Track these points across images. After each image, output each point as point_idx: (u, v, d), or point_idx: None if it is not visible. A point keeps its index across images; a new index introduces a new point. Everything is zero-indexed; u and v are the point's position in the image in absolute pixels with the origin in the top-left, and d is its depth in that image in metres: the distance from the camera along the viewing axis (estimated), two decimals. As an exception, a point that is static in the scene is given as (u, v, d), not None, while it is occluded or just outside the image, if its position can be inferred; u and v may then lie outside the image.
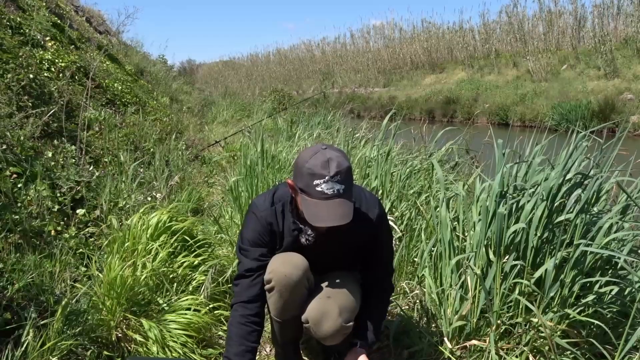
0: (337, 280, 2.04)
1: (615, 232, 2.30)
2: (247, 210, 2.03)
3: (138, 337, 2.21)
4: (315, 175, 1.69)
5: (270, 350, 2.53)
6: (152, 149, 4.92)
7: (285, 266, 1.91)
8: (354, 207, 1.88)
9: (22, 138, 3.04)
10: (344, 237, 1.97)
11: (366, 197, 2.01)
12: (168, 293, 2.52)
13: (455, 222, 2.74)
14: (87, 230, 2.93)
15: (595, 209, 2.45)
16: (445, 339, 2.33)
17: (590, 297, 2.21)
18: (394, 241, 3.05)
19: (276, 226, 1.95)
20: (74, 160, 3.41)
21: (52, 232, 2.63)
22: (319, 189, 1.69)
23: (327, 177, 1.68)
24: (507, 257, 2.32)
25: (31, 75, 3.85)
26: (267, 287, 1.96)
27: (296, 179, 1.77)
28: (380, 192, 3.70)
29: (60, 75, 4.72)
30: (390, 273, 2.17)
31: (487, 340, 2.23)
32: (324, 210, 1.69)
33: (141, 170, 4.13)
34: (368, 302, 2.08)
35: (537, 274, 2.25)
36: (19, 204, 2.57)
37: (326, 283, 2.04)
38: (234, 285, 1.99)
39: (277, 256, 1.97)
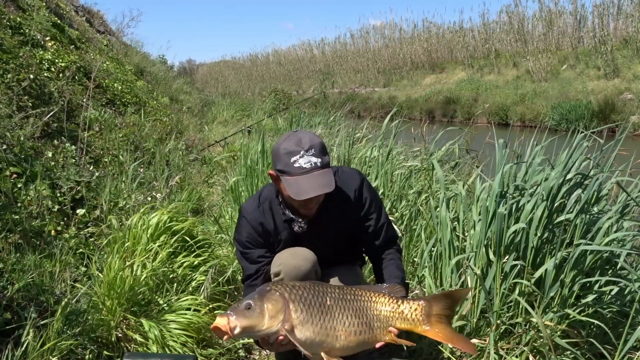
0: (343, 272, 2.08)
1: (615, 232, 2.31)
2: (237, 216, 2.07)
3: (138, 337, 2.21)
4: (291, 153, 1.76)
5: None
6: (152, 149, 4.92)
7: (294, 258, 1.93)
8: (336, 185, 1.92)
9: (22, 138, 3.04)
10: (335, 216, 1.98)
11: (345, 172, 2.06)
12: (168, 293, 2.52)
13: (455, 222, 2.74)
14: (87, 230, 2.93)
15: (595, 209, 2.45)
16: (445, 338, 2.33)
17: (590, 297, 2.21)
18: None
19: (268, 224, 1.98)
20: (74, 160, 3.41)
21: (52, 232, 2.63)
22: (296, 165, 1.75)
23: (302, 152, 1.75)
24: (507, 257, 2.32)
25: (31, 76, 3.85)
26: (275, 279, 1.98)
27: (275, 164, 1.83)
28: (380, 192, 3.70)
29: (60, 75, 4.72)
30: (395, 236, 2.16)
31: (487, 340, 2.23)
32: (305, 184, 1.74)
33: (141, 170, 4.13)
34: (385, 262, 2.07)
35: (537, 274, 2.25)
36: (19, 204, 2.57)
37: (332, 275, 2.06)
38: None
39: (286, 250, 1.98)
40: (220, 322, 1.54)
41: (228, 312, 1.56)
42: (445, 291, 2.14)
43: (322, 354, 1.62)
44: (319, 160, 1.77)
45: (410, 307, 1.73)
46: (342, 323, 1.63)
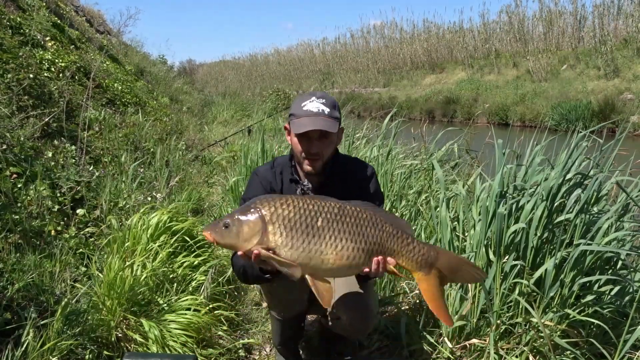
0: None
1: (614, 231, 2.31)
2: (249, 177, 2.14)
3: (138, 337, 2.21)
4: (303, 99, 1.91)
5: (270, 350, 2.54)
6: (152, 149, 4.92)
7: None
8: (349, 162, 2.06)
9: (22, 138, 3.04)
10: (340, 191, 1.97)
11: (360, 160, 2.17)
12: (168, 293, 2.52)
13: (455, 222, 2.74)
14: (87, 230, 2.92)
15: (595, 209, 2.45)
16: (445, 338, 2.33)
17: (590, 297, 2.21)
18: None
19: (276, 186, 2.02)
20: (74, 160, 3.41)
21: (52, 232, 2.63)
22: (305, 108, 1.86)
23: (313, 98, 1.89)
24: (507, 257, 2.32)
25: (31, 75, 3.85)
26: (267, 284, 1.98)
27: (289, 112, 1.95)
28: (380, 192, 3.69)
29: (60, 75, 4.72)
30: None
31: (487, 340, 2.23)
32: (308, 122, 1.84)
33: (141, 170, 4.13)
34: None
35: (537, 274, 2.25)
36: (19, 204, 2.57)
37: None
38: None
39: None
40: (204, 234, 1.60)
41: (209, 227, 1.59)
42: (459, 255, 2.11)
43: (307, 276, 1.59)
44: (327, 109, 1.86)
45: (419, 249, 1.68)
46: (332, 246, 1.58)
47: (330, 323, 2.09)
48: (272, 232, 1.55)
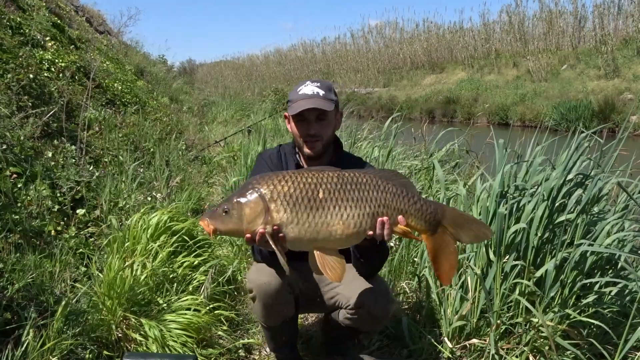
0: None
1: (615, 232, 2.30)
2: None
3: (138, 337, 2.20)
4: (298, 85, 1.97)
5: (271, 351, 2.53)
6: (152, 149, 4.92)
7: (263, 274, 1.95)
8: (352, 157, 2.11)
9: (22, 138, 3.04)
10: None
11: (355, 155, 2.22)
12: (168, 293, 2.52)
13: (456, 222, 2.73)
14: (87, 230, 2.92)
15: (595, 209, 2.45)
16: (445, 338, 2.33)
17: (591, 298, 2.21)
18: (394, 241, 3.05)
19: (281, 168, 2.05)
20: (74, 160, 3.41)
21: (52, 232, 2.63)
22: (300, 92, 1.92)
23: (307, 83, 1.95)
24: (507, 257, 2.31)
25: (31, 75, 3.84)
26: (250, 296, 2.01)
27: (287, 100, 2.02)
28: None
29: (60, 75, 4.72)
30: None
31: (487, 340, 2.23)
32: (303, 103, 1.88)
33: (141, 170, 4.12)
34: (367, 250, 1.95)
35: (537, 274, 2.25)
36: (19, 204, 2.57)
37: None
38: None
39: (255, 266, 2.01)
40: (202, 224, 1.53)
41: (206, 215, 1.53)
42: (465, 212, 2.09)
43: (315, 252, 1.55)
44: (322, 92, 1.90)
45: (426, 207, 1.65)
46: (337, 216, 1.54)
47: (347, 316, 2.03)
48: (276, 209, 1.51)
